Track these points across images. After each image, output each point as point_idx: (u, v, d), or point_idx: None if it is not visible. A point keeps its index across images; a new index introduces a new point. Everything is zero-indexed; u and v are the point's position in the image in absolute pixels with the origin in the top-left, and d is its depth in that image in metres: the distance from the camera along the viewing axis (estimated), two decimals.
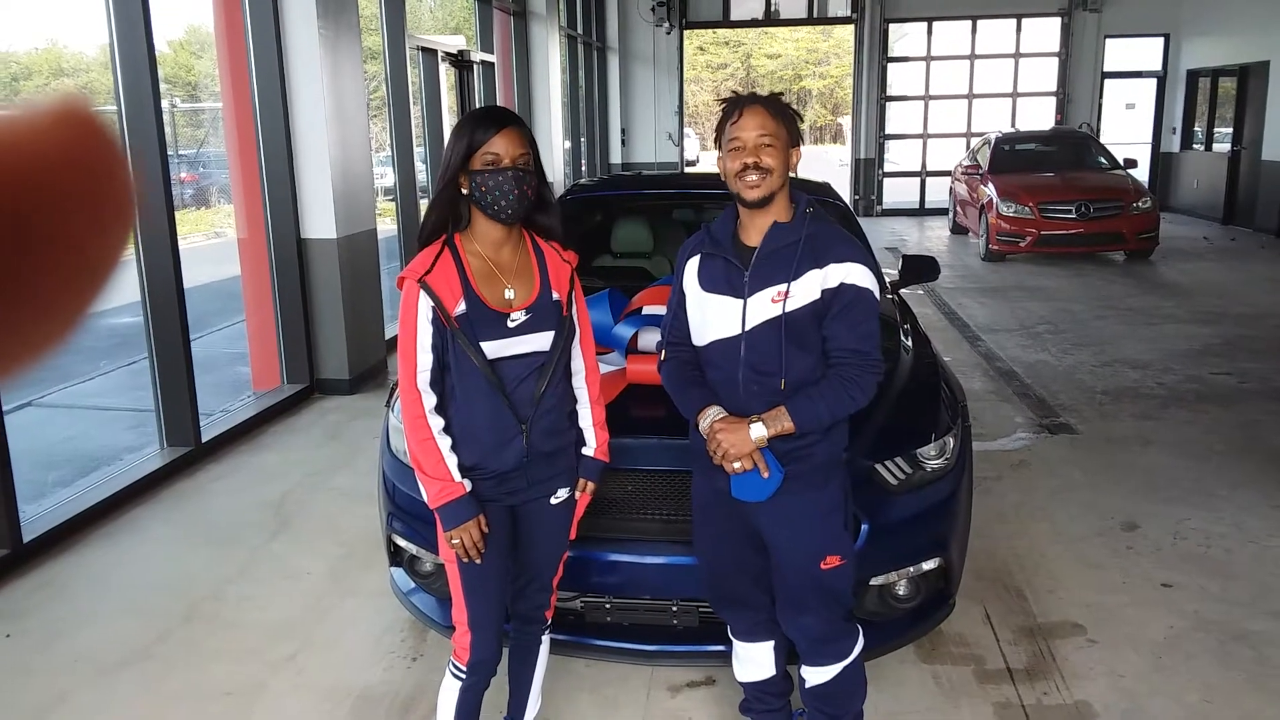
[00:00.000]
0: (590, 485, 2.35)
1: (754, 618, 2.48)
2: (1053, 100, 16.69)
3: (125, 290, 4.83)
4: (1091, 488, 4.57)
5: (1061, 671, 3.05)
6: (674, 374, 2.35)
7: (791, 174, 2.27)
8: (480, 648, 2.21)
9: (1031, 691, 2.95)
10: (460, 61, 9.56)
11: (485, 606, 2.20)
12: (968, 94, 17.08)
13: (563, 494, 2.29)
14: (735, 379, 2.24)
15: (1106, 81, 16.46)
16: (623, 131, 17.21)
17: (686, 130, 23.43)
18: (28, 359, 0.34)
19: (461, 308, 2.09)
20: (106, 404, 6.12)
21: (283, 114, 5.73)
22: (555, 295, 2.19)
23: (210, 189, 15.28)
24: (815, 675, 2.43)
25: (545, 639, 2.46)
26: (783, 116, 2.23)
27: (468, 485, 2.12)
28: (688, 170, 17.49)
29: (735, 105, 2.25)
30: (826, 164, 28.34)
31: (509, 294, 2.15)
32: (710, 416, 2.22)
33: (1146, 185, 12.75)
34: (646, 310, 3.15)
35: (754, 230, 2.25)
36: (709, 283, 2.28)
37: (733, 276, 2.24)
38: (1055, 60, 16.65)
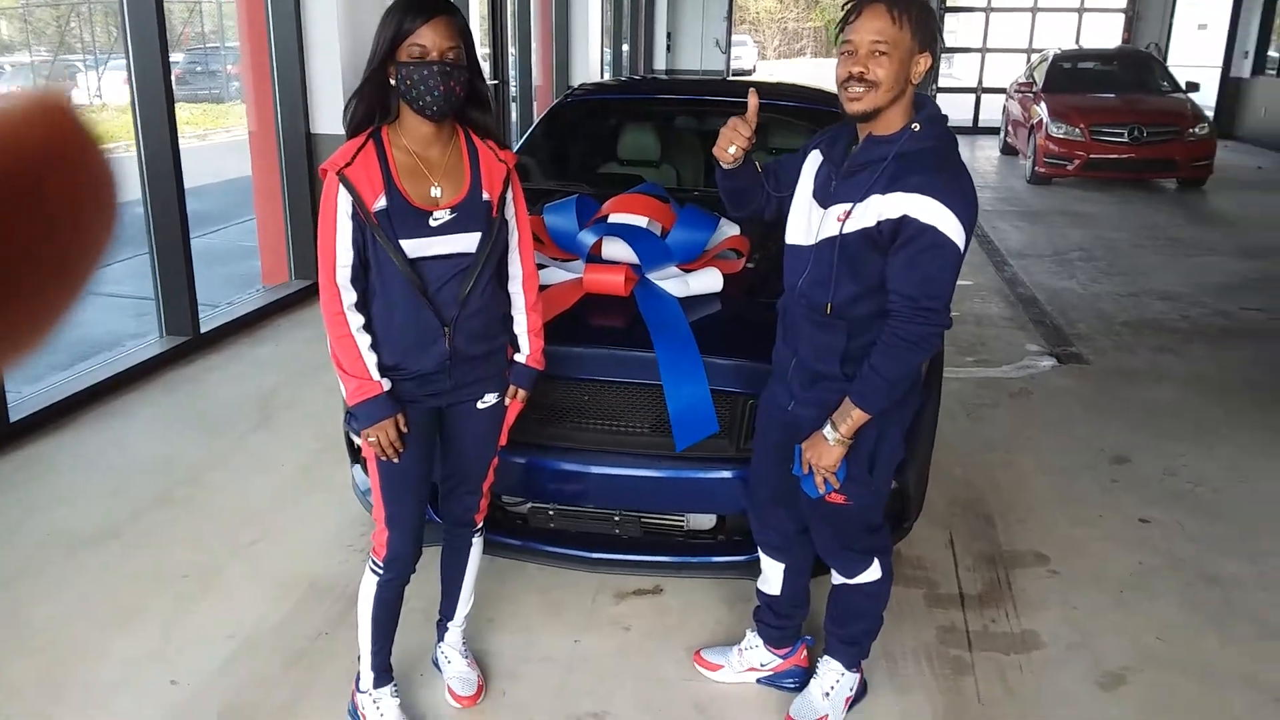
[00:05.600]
0: (521, 393, 2.31)
1: (771, 535, 2.47)
2: (1121, 17, 15.92)
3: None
4: (1089, 420, 4.46)
5: (1015, 600, 3.01)
6: None
7: (914, 83, 2.01)
8: (396, 544, 2.21)
9: (979, 618, 2.91)
10: None
11: (402, 505, 2.20)
12: (1032, 7, 16.35)
13: (490, 399, 2.26)
14: (795, 289, 2.18)
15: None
16: (668, 36, 16.78)
17: (743, 38, 22.76)
18: (8, 355, 0.34)
19: (381, 203, 2.03)
20: (120, 291, 6.20)
21: (294, 3, 5.63)
22: (485, 196, 2.13)
23: None
24: (833, 574, 2.42)
25: (477, 541, 2.46)
26: (909, 18, 1.95)
27: (386, 384, 2.11)
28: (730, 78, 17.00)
29: (855, 2, 2.02)
30: None
31: (435, 192, 2.09)
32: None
33: (1209, 111, 12.16)
34: (613, 218, 3.04)
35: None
36: (813, 184, 2.18)
37: (827, 184, 2.13)
38: None
